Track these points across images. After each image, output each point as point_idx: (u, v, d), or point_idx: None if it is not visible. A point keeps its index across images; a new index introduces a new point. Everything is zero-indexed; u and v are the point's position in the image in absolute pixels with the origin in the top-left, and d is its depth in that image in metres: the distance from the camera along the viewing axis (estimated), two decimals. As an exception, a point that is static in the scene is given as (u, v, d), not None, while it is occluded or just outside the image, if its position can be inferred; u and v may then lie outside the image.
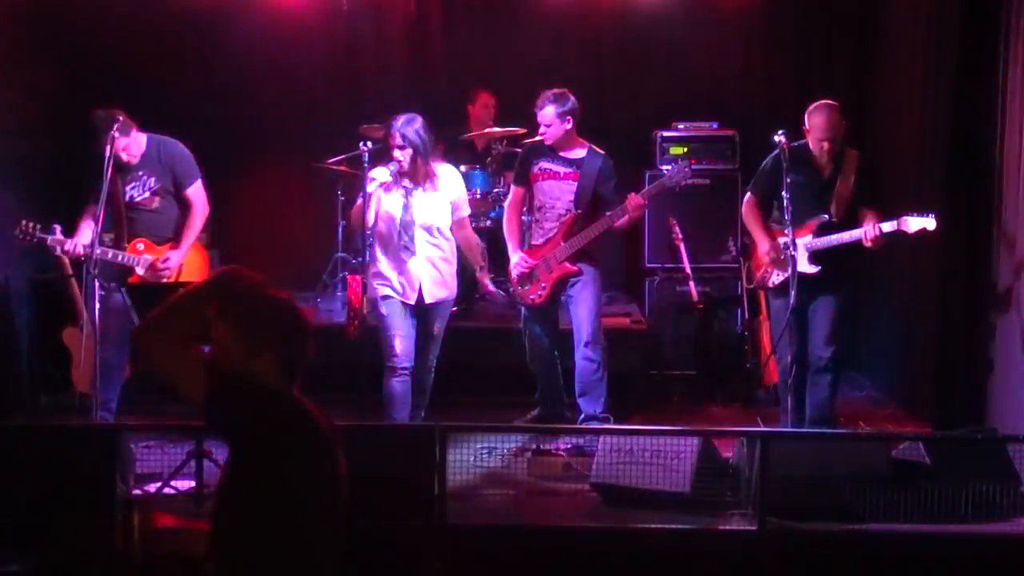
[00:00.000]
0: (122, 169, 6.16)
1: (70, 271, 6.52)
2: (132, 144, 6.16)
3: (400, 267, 6.15)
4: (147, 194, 6.24)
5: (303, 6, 8.55)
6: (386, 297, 6.16)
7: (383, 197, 6.11)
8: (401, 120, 6.06)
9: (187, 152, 6.35)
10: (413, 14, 8.85)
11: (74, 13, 7.70)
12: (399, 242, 6.14)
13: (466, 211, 6.37)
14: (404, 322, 6.16)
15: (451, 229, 6.25)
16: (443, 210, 6.19)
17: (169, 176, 6.27)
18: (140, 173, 6.23)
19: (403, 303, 6.15)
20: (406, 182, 6.13)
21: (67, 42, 7.78)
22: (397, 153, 6.03)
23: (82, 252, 6.02)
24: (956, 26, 6.58)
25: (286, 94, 8.72)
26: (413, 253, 6.14)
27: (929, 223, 5.82)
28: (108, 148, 5.87)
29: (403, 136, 6.01)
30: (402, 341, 6.13)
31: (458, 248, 6.33)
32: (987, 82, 6.33)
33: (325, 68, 8.86)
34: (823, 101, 6.12)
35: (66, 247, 6.07)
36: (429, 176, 6.14)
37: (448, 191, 6.21)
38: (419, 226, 6.13)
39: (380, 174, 6.05)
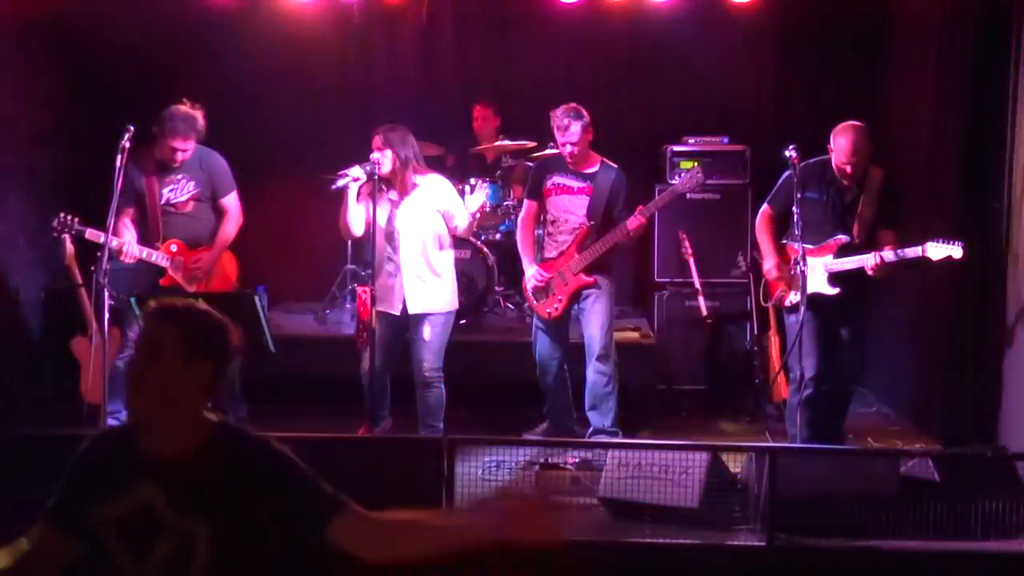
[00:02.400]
0: (164, 170, 6.24)
1: (80, 280, 6.52)
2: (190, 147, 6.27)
3: (384, 278, 6.18)
4: (184, 197, 6.34)
5: (315, 17, 8.57)
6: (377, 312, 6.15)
7: (372, 207, 6.09)
8: (386, 126, 6.15)
9: (227, 165, 6.50)
10: (425, 27, 8.87)
11: (86, 22, 7.72)
12: (383, 253, 6.18)
13: (462, 222, 6.36)
14: (381, 335, 6.14)
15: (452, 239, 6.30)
16: (430, 221, 6.19)
17: (208, 184, 6.40)
18: (180, 177, 6.33)
19: (388, 314, 6.17)
20: (391, 194, 6.16)
21: (79, 51, 7.81)
22: (376, 154, 6.07)
23: (133, 252, 6.13)
24: (967, 43, 6.57)
25: (297, 105, 8.75)
26: (396, 265, 6.16)
27: (955, 251, 5.72)
28: (119, 158, 5.87)
29: (385, 139, 6.07)
30: (377, 356, 6.12)
31: (459, 261, 6.34)
32: (998, 98, 6.31)
33: (337, 80, 8.89)
34: (850, 123, 6.00)
35: (103, 240, 6.00)
36: (412, 187, 6.15)
37: (435, 202, 6.21)
38: (404, 238, 6.15)
39: (354, 171, 6.07)
